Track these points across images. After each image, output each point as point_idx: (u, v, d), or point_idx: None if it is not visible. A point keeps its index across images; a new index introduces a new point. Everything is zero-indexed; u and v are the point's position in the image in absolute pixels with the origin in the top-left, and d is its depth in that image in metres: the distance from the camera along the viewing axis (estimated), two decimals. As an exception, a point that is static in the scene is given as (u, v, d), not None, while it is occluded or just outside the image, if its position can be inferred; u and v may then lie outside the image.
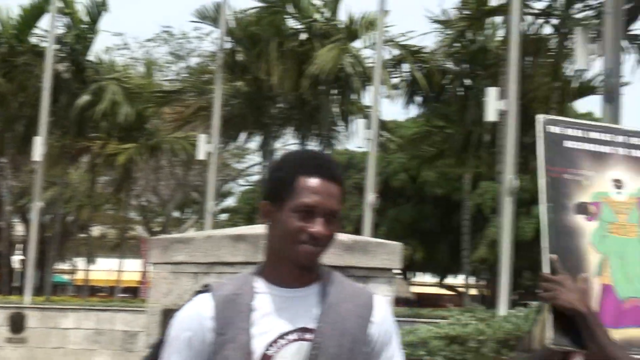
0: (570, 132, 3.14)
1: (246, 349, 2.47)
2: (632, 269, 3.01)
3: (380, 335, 2.65)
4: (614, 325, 2.88)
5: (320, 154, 2.99)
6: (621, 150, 3.16)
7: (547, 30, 25.74)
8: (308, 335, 2.51)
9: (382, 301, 2.72)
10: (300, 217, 2.48)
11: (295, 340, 2.51)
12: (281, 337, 2.50)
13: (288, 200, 2.49)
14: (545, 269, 2.93)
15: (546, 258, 2.94)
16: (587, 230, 3.01)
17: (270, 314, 2.53)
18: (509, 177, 14.50)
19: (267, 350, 2.49)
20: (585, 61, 14.52)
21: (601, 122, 3.25)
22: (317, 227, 2.49)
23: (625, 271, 3.00)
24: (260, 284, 2.57)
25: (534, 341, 3.14)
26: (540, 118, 3.13)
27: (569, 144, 3.12)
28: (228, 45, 31.14)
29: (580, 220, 3.01)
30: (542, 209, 3.00)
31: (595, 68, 17.17)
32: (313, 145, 35.28)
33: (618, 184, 3.12)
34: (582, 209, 3.03)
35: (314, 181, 2.50)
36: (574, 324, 2.83)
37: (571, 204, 3.03)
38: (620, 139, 3.17)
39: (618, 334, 2.86)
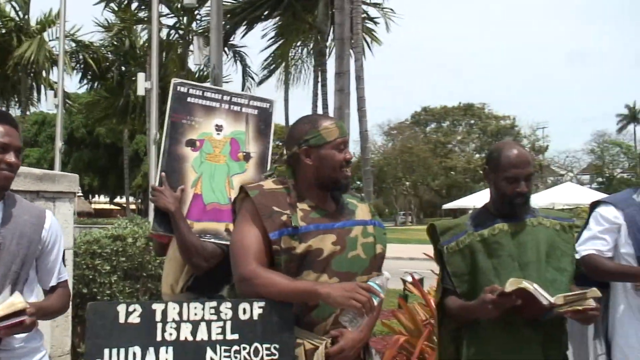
0: (192, 91, 3.14)
1: None
2: (217, 184, 3.09)
3: (50, 238, 2.58)
4: (198, 219, 3.03)
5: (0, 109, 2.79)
6: (225, 106, 3.18)
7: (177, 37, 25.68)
8: None
9: (51, 215, 2.63)
10: None
11: None
12: None
13: None
14: (156, 183, 3.04)
15: (158, 175, 3.05)
16: (191, 157, 3.08)
17: None
18: (153, 132, 14.43)
19: None
20: (200, 58, 14.79)
21: (209, 85, 3.28)
22: (12, 158, 2.39)
23: (212, 185, 3.09)
24: None
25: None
26: (173, 81, 3.16)
27: (191, 99, 3.13)
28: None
29: (187, 150, 3.08)
30: (163, 142, 3.06)
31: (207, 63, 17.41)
32: (15, 109, 33.24)
33: (219, 128, 3.15)
34: (191, 143, 3.09)
35: (4, 127, 2.41)
36: (169, 218, 2.97)
37: (184, 139, 3.08)
38: (226, 98, 3.19)
39: (200, 225, 3.02)
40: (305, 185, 2.52)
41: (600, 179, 59.54)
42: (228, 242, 2.92)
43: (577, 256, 2.85)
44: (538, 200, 23.98)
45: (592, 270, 2.94)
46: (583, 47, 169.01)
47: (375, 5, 21.65)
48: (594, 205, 3.18)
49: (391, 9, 21.78)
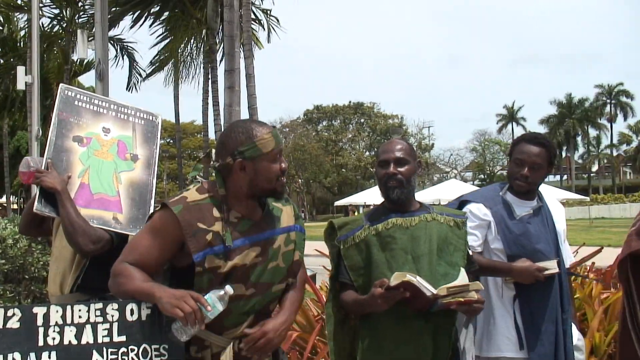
0: (80, 97, 3.26)
1: None
2: (104, 177, 3.17)
3: None
4: (85, 206, 3.07)
5: None
6: (113, 113, 3.32)
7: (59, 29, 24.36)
8: None
9: None
10: None
11: None
12: None
13: None
14: (42, 168, 3.04)
15: (44, 162, 3.06)
16: (78, 151, 3.16)
17: None
18: (35, 128, 13.80)
19: None
20: (85, 52, 14.26)
21: (96, 94, 3.55)
22: None
23: (99, 177, 3.16)
24: None
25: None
26: (61, 86, 3.28)
27: (78, 103, 3.24)
28: None
29: (75, 145, 3.16)
30: (50, 134, 3.11)
31: (91, 56, 16.79)
32: None
33: (106, 130, 3.27)
34: (78, 139, 3.18)
35: None
36: (54, 198, 2.97)
37: (72, 135, 3.16)
38: (113, 107, 3.34)
39: (87, 211, 3.04)
40: (235, 196, 2.39)
41: (482, 176, 62.63)
42: (115, 229, 3.08)
43: None
44: (425, 196, 24.86)
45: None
46: (464, 50, 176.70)
47: (263, 11, 21.72)
48: (464, 203, 3.31)
49: (276, 18, 21.94)
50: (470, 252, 2.92)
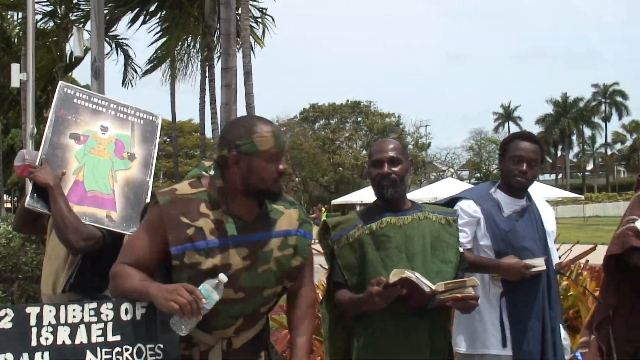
0: (79, 94, 3.27)
1: None
2: (100, 175, 3.17)
3: None
4: (78, 203, 3.05)
5: None
6: (112, 112, 3.32)
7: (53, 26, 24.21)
8: None
9: None
10: None
11: None
12: None
13: None
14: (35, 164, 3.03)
15: (39, 158, 3.05)
16: (74, 149, 3.17)
17: None
18: (30, 126, 13.74)
19: None
20: (80, 50, 14.21)
21: (96, 93, 3.56)
22: None
23: (95, 175, 3.16)
24: None
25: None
26: (60, 83, 3.28)
27: (77, 100, 3.25)
28: None
29: (71, 142, 3.17)
30: (46, 131, 3.11)
31: (88, 54, 16.73)
32: None
33: (104, 129, 3.27)
34: (75, 136, 3.19)
35: None
36: (47, 194, 2.95)
37: (69, 132, 3.17)
38: (112, 106, 3.34)
39: (80, 208, 3.03)
40: (230, 190, 2.33)
41: (478, 175, 62.70)
42: (108, 227, 3.08)
43: None
44: (421, 194, 24.90)
45: None
46: (461, 48, 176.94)
47: (259, 9, 21.74)
48: (455, 200, 3.33)
49: (271, 17, 21.95)
50: (462, 250, 2.94)
